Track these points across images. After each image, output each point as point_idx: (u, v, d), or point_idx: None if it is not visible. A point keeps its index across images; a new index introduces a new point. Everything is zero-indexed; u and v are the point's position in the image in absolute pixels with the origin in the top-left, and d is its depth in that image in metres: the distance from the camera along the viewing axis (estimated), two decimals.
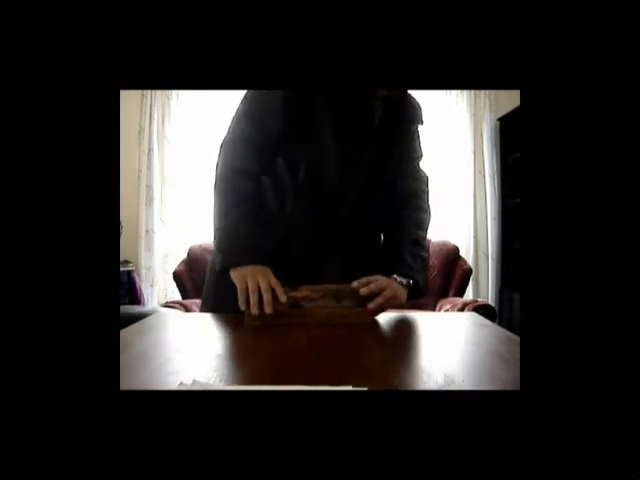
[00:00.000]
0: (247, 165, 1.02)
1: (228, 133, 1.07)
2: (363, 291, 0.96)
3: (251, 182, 1.02)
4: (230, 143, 1.05)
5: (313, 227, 1.06)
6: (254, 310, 0.89)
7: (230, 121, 1.09)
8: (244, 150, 1.02)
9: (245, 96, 1.07)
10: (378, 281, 0.99)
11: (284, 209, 1.05)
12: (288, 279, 0.96)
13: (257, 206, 1.02)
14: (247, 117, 1.04)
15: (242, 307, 0.91)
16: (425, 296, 1.10)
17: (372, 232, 1.16)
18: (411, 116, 1.14)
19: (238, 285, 0.92)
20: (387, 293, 0.97)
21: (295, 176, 1.03)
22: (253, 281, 0.91)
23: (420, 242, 1.11)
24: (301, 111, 1.00)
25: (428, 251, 1.19)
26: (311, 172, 1.03)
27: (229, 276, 0.96)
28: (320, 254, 1.07)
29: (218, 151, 1.07)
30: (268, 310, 0.89)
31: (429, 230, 1.18)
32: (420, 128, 1.18)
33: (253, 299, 0.89)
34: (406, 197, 1.15)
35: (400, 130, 1.11)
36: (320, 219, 1.06)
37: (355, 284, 0.97)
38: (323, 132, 1.01)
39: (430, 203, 1.19)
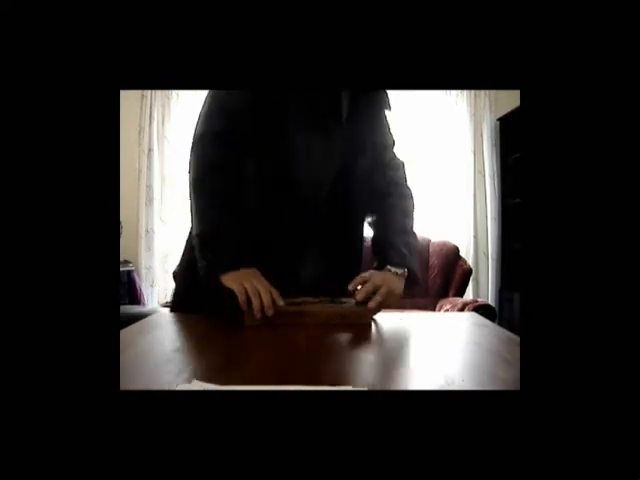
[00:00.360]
0: (222, 162, 0.98)
1: (198, 129, 1.01)
2: (359, 297, 0.95)
3: (228, 180, 0.98)
4: (202, 140, 1.00)
5: (290, 224, 1.02)
6: (258, 315, 0.90)
7: (198, 116, 1.03)
8: (217, 146, 0.98)
9: (213, 91, 1.02)
10: (372, 278, 0.98)
11: (260, 207, 1.02)
12: (271, 277, 0.95)
13: (236, 205, 0.98)
14: (218, 112, 1.00)
15: (243, 307, 0.91)
16: (421, 285, 1.08)
17: (353, 225, 1.13)
18: (377, 102, 1.10)
19: (235, 288, 0.91)
20: (383, 290, 0.97)
21: (267, 173, 1.00)
22: (250, 284, 0.91)
23: (410, 230, 1.10)
24: (271, 107, 0.97)
25: (417, 238, 1.17)
26: (281, 169, 1.00)
27: (215, 282, 0.94)
28: (300, 251, 1.05)
29: (190, 150, 1.02)
30: (270, 312, 0.90)
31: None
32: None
33: (256, 303, 0.89)
34: (388, 186, 1.13)
35: (368, 118, 1.08)
36: (297, 216, 1.02)
37: (351, 287, 0.97)
38: (292, 128, 0.99)
39: (411, 188, 1.18)
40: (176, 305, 1.10)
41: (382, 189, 1.13)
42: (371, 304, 0.96)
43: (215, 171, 0.98)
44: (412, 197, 1.16)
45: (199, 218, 0.97)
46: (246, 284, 0.91)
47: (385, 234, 1.08)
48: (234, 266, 0.94)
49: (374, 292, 0.96)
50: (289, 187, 1.01)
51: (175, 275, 1.15)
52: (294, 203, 1.02)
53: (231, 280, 0.93)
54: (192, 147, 1.02)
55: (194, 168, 1.00)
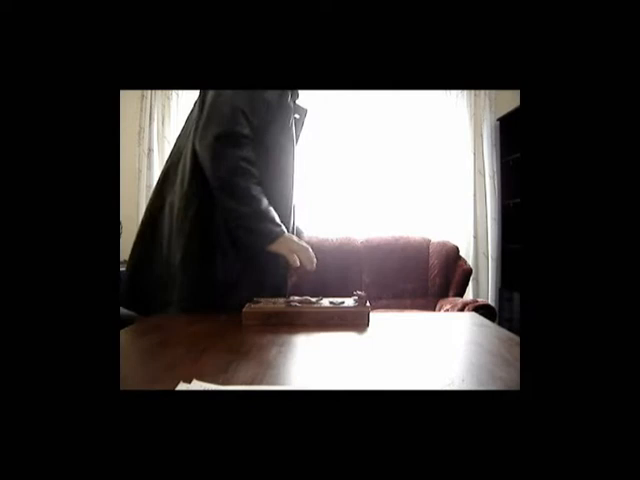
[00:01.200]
0: (251, 157, 1.13)
1: (225, 127, 1.10)
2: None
3: (257, 175, 1.14)
4: (230, 139, 1.10)
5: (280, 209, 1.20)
6: (311, 265, 1.11)
7: (213, 109, 1.11)
8: (244, 144, 1.12)
9: (232, 92, 1.11)
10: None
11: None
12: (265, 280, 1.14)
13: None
14: (242, 119, 1.11)
15: (294, 266, 1.10)
16: None
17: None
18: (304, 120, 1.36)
19: (286, 248, 1.10)
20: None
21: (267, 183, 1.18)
22: (296, 244, 1.11)
23: None
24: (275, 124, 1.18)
25: None
26: (279, 163, 1.23)
27: (263, 250, 1.10)
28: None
29: (214, 146, 1.09)
30: (311, 267, 1.12)
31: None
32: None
33: (307, 255, 1.10)
34: None
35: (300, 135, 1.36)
36: (285, 207, 1.23)
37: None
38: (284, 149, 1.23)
39: None
40: (193, 303, 1.15)
41: None
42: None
43: (249, 163, 1.12)
44: None
45: (251, 200, 1.10)
46: (293, 245, 1.11)
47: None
48: (283, 232, 1.11)
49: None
50: (281, 179, 1.24)
51: (183, 273, 1.18)
52: (285, 197, 1.24)
53: (282, 241, 1.10)
54: (216, 142, 1.10)
55: (230, 161, 1.10)
